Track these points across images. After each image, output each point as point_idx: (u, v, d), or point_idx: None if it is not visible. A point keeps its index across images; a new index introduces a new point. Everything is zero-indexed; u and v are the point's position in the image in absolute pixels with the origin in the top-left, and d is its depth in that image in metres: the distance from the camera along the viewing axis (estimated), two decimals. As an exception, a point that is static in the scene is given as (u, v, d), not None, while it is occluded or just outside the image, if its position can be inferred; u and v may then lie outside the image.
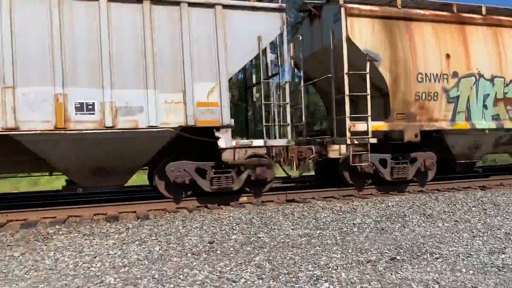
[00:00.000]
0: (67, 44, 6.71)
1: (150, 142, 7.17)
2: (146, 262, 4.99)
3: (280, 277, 4.33)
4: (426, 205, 7.87)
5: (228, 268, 4.63)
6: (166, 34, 7.20)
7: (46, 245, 5.57)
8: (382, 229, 6.47)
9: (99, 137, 6.85)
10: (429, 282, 4.14)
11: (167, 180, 7.71)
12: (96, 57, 6.82)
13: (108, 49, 6.88)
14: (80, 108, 6.74)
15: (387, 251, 5.20)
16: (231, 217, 6.81)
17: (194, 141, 7.46)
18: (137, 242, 5.73)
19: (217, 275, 4.42)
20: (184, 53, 7.26)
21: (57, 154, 6.83)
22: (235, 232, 6.23)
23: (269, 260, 4.89)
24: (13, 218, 6.94)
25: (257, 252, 5.29)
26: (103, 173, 7.19)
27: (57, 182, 14.51)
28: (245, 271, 4.54)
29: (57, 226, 6.30)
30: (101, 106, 6.84)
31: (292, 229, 6.43)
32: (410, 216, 7.20)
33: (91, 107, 6.79)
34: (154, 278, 4.37)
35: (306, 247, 5.50)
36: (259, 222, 6.69)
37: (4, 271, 4.78)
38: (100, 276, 4.50)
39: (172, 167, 7.62)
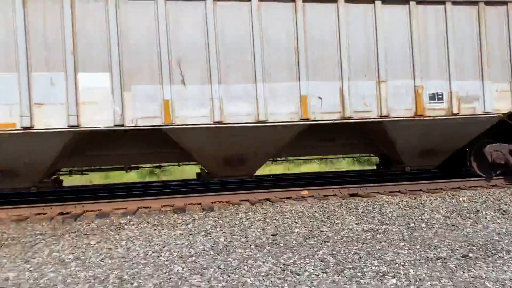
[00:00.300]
0: (422, 44, 8.07)
1: (480, 126, 8.40)
2: (212, 253, 5.13)
3: (345, 271, 4.28)
4: (501, 201, 7.39)
5: (292, 261, 4.64)
6: (496, 33, 8.41)
7: (118, 235, 5.88)
8: (453, 225, 6.18)
9: (446, 122, 8.16)
10: (506, 281, 3.89)
11: (480, 160, 8.74)
12: (443, 54, 8.17)
13: (454, 48, 8.21)
14: (432, 97, 8.09)
15: (458, 248, 4.96)
16: (293, 211, 6.81)
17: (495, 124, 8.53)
18: (202, 233, 5.90)
19: (280, 268, 4.45)
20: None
21: (407, 137, 8.17)
22: (297, 225, 6.23)
23: (333, 254, 4.84)
24: (89, 208, 7.40)
25: (320, 246, 5.26)
26: (428, 154, 8.49)
27: (127, 176, 15.25)
28: (309, 264, 4.53)
29: (128, 217, 6.63)
30: (448, 96, 8.16)
31: (356, 224, 6.31)
32: (483, 212, 6.81)
33: (440, 97, 8.13)
34: (220, 268, 4.48)
35: (371, 242, 5.38)
36: (322, 216, 6.63)
37: (82, 257, 5.12)
38: (168, 265, 4.69)
39: (491, 149, 8.64)
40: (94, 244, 5.56)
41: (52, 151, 6.94)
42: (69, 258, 5.12)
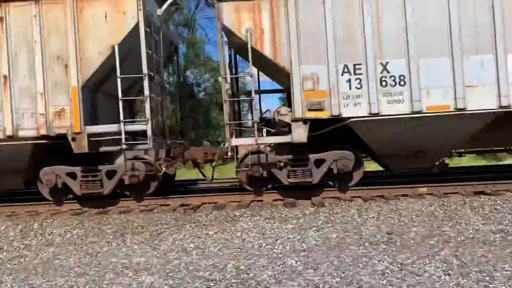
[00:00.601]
0: None
1: None
2: (324, 248, 5.10)
3: (471, 275, 3.95)
4: None
5: (410, 261, 4.42)
6: None
7: (234, 226, 6.14)
8: None
9: None
10: None
11: None
12: None
13: None
14: None
15: None
16: (409, 209, 6.46)
17: None
18: (314, 228, 5.89)
19: (398, 267, 4.26)
20: None
21: None
22: (415, 224, 5.90)
23: (456, 255, 4.50)
24: (206, 201, 7.83)
25: (441, 246, 4.92)
26: None
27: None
28: (429, 265, 4.27)
29: (242, 210, 6.88)
30: None
31: (483, 224, 5.78)
32: None
33: None
34: (333, 265, 4.44)
35: (500, 244, 4.90)
36: (443, 215, 6.19)
37: (201, 247, 5.45)
38: (282, 258, 4.77)
39: None
40: (212, 235, 5.87)
41: (471, 132, 7.15)
42: (190, 247, 5.48)
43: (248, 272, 4.36)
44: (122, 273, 4.62)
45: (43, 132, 7.13)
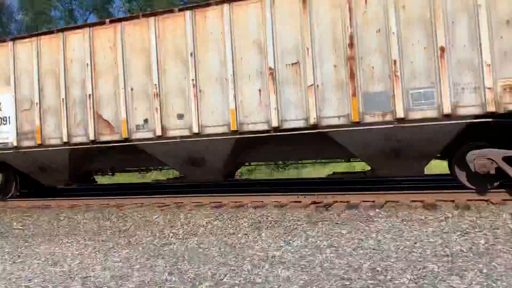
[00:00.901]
0: None
1: None
2: (471, 255, 4.67)
3: None
4: None
5: None
6: None
7: (368, 227, 5.97)
8: None
9: None
10: None
11: None
12: None
13: None
14: None
15: None
16: None
17: None
18: (458, 233, 5.43)
19: None
20: None
21: None
22: None
23: None
24: (338, 199, 7.74)
25: None
26: None
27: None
28: None
29: (376, 210, 6.65)
30: None
31: None
32: None
33: None
34: (482, 273, 4.04)
35: None
36: None
37: (335, 245, 5.41)
38: (422, 262, 4.50)
39: None
40: (345, 234, 5.79)
41: None
42: (324, 245, 5.48)
43: (385, 274, 4.21)
44: (259, 265, 4.82)
45: (491, 108, 6.19)
